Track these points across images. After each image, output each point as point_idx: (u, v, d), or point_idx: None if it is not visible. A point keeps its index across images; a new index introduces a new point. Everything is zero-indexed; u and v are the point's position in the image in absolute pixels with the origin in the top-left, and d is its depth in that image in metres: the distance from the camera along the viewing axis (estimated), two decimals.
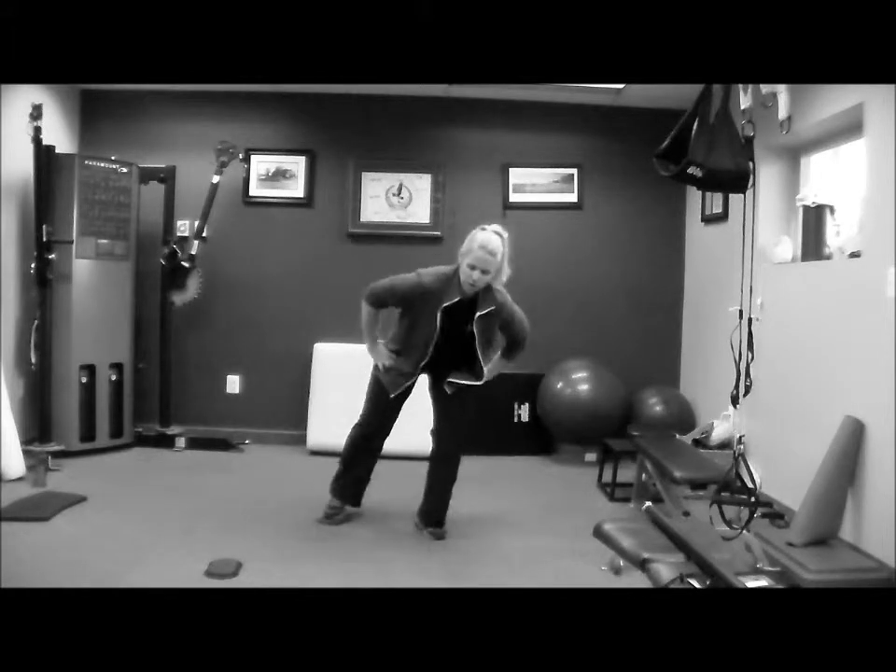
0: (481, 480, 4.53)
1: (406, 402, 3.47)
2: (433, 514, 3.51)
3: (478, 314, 3.22)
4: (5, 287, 4.32)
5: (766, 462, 3.88)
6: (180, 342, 5.11)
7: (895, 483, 2.88)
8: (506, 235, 3.23)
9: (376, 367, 3.43)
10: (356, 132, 5.21)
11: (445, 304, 3.19)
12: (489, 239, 3.15)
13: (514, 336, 3.42)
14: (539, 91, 4.94)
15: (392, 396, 3.34)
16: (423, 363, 3.29)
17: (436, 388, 3.46)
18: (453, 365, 3.36)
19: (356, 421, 3.54)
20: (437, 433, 3.52)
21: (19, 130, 4.31)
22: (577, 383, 4.83)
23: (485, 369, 3.32)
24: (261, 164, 5.19)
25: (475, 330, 3.23)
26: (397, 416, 3.48)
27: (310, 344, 5.09)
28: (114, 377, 4.79)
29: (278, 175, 5.21)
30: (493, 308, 3.25)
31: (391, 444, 4.34)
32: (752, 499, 2.88)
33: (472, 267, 3.14)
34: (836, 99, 3.44)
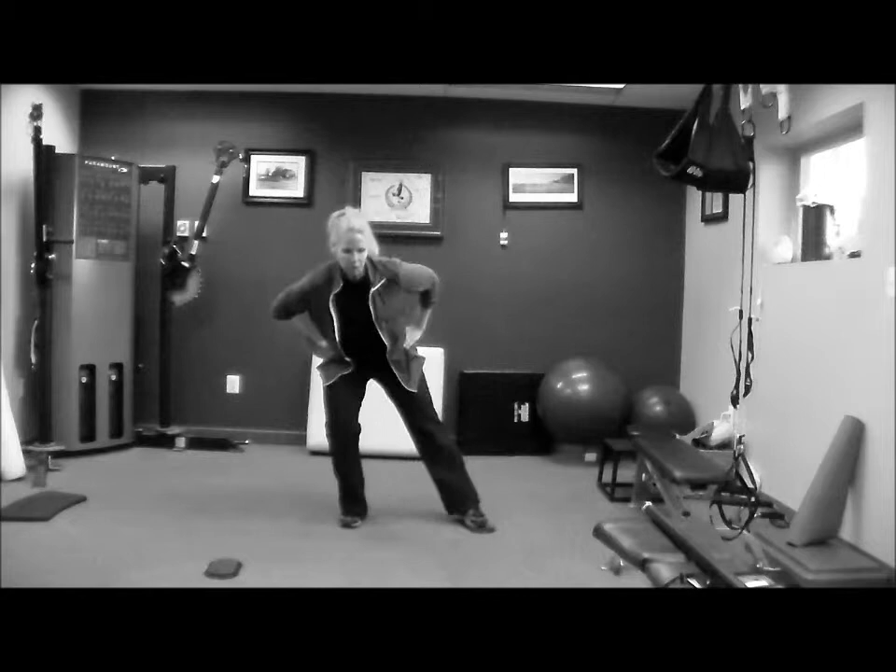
0: (480, 480, 4.51)
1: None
2: (463, 496, 3.61)
3: (372, 290, 3.35)
4: (5, 287, 4.32)
5: (766, 462, 3.88)
6: (180, 342, 5.11)
7: (895, 483, 2.88)
8: (363, 212, 3.45)
9: (319, 366, 3.63)
10: (356, 132, 5.22)
11: (334, 292, 3.36)
12: (353, 221, 3.31)
13: (423, 287, 3.56)
14: (539, 90, 4.94)
15: (327, 384, 3.50)
16: (341, 352, 3.43)
17: (385, 389, 3.58)
18: (370, 349, 3.43)
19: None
20: (410, 428, 3.60)
21: (19, 130, 4.31)
22: (577, 383, 4.83)
23: (388, 342, 3.40)
24: (261, 164, 5.19)
25: (372, 307, 3.35)
26: (356, 410, 3.55)
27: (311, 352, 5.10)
28: (114, 377, 4.79)
29: (278, 175, 5.21)
30: (384, 281, 3.38)
31: (390, 445, 4.34)
32: (752, 499, 2.88)
33: (348, 251, 3.29)
34: (836, 99, 3.44)
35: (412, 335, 3.56)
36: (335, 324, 3.38)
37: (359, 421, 3.57)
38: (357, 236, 3.28)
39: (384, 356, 3.43)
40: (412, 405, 3.55)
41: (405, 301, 3.50)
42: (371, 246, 3.36)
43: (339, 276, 3.36)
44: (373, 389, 3.62)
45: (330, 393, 3.52)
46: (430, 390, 3.66)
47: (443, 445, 3.61)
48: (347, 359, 3.47)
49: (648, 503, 3.55)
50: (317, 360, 4.90)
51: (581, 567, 3.07)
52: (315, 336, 3.61)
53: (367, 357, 3.46)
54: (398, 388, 3.50)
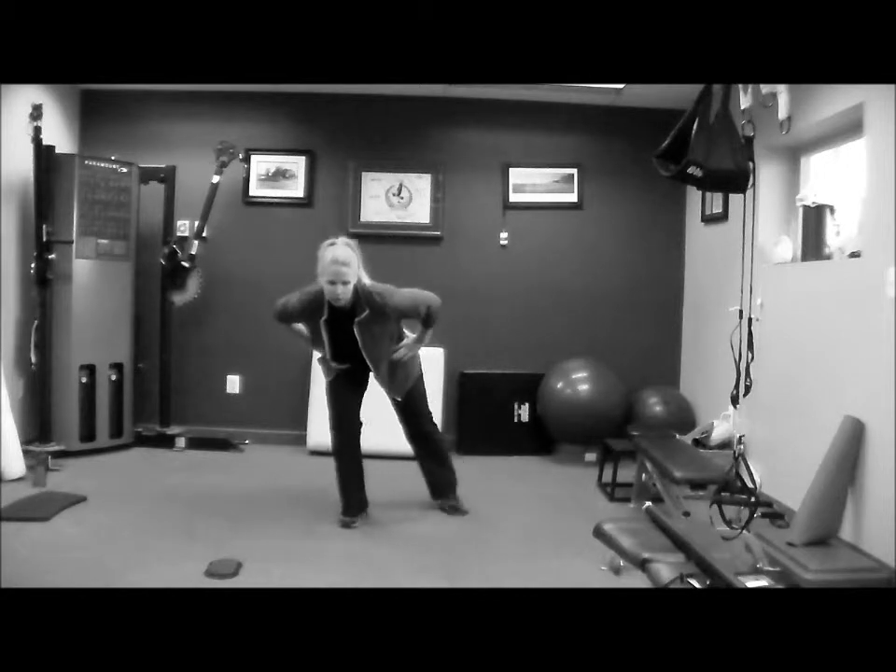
0: (481, 480, 4.53)
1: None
2: (447, 484, 3.84)
3: (356, 320, 3.34)
4: (5, 287, 4.32)
5: (766, 462, 3.88)
6: (180, 342, 5.11)
7: (895, 483, 2.88)
8: (354, 243, 3.37)
9: (320, 359, 3.65)
10: (356, 132, 5.22)
11: (323, 318, 3.38)
12: (338, 252, 3.27)
13: (418, 314, 3.45)
14: (539, 90, 4.94)
15: (329, 380, 3.58)
16: (336, 362, 3.51)
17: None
18: (361, 365, 3.50)
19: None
20: (404, 426, 3.75)
21: (19, 130, 4.31)
22: (577, 383, 4.83)
23: (371, 367, 3.48)
24: (261, 164, 5.19)
25: (357, 335, 3.37)
26: (357, 407, 3.62)
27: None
28: (114, 377, 4.79)
29: (278, 175, 5.21)
30: (367, 312, 3.33)
31: (390, 445, 4.34)
32: (752, 499, 2.88)
33: (332, 282, 3.26)
34: (836, 99, 3.44)
35: (409, 348, 3.53)
36: (326, 343, 3.46)
37: (361, 419, 3.64)
38: (342, 269, 3.24)
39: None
40: (405, 407, 3.67)
41: (396, 326, 3.52)
42: (358, 277, 3.33)
43: (326, 303, 3.36)
44: (373, 389, 3.63)
45: (332, 389, 3.58)
46: (425, 385, 3.73)
47: (434, 441, 3.81)
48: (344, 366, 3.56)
49: (648, 503, 3.55)
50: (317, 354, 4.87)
51: (581, 567, 3.07)
52: (309, 341, 3.66)
53: (360, 373, 3.57)
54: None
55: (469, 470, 4.74)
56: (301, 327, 3.65)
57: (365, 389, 3.65)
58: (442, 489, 3.85)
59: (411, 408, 3.67)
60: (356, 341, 3.38)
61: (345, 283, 3.26)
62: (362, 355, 3.43)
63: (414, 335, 3.54)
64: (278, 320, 3.61)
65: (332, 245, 3.32)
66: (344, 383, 3.56)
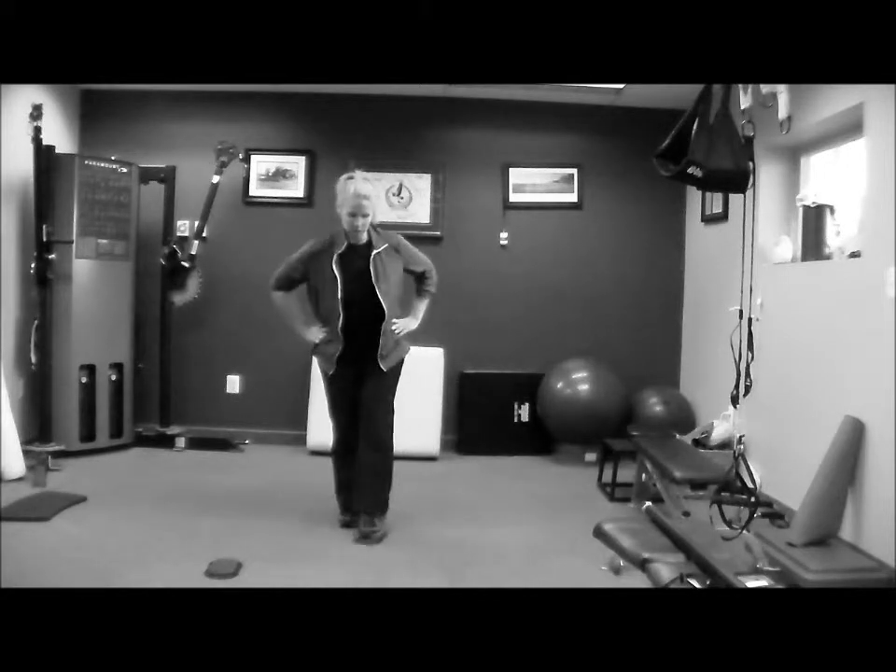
0: (480, 479, 4.53)
1: (400, 403, 3.51)
2: (373, 502, 3.44)
3: (374, 252, 3.37)
4: (5, 287, 4.32)
5: (766, 462, 3.88)
6: (180, 342, 5.11)
7: (895, 483, 2.88)
8: (372, 177, 3.48)
9: (313, 350, 3.56)
10: (356, 132, 5.21)
11: (338, 253, 3.36)
12: (360, 186, 3.32)
13: (421, 267, 3.55)
14: (539, 90, 4.94)
15: (331, 374, 3.44)
16: (341, 325, 3.35)
17: (361, 366, 3.44)
18: (367, 314, 3.35)
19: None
20: (363, 407, 3.45)
21: (19, 130, 4.31)
22: (577, 383, 4.83)
23: (385, 306, 3.33)
24: (261, 164, 5.19)
25: (373, 269, 3.34)
26: (355, 399, 3.48)
27: (310, 344, 5.09)
28: (114, 377, 4.79)
29: (278, 175, 5.21)
30: (387, 245, 3.42)
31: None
32: (752, 499, 2.88)
33: (352, 214, 3.31)
34: (836, 99, 3.44)
35: (407, 323, 3.50)
36: (338, 283, 3.31)
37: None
38: (363, 202, 3.29)
39: (378, 326, 3.35)
40: (377, 385, 3.42)
41: (402, 277, 3.50)
42: (375, 213, 3.42)
43: (342, 239, 3.38)
44: None
45: (330, 384, 3.50)
46: (397, 380, 3.52)
47: (384, 458, 3.48)
48: (340, 334, 3.36)
49: (648, 503, 3.55)
50: (314, 341, 4.78)
51: (581, 567, 3.07)
52: (307, 319, 3.55)
53: (362, 324, 3.35)
54: (372, 363, 3.39)
55: (470, 470, 4.76)
56: (294, 306, 3.58)
57: (362, 382, 3.50)
58: (361, 503, 3.44)
59: (380, 386, 3.43)
60: (369, 278, 3.32)
61: (365, 215, 3.32)
62: (370, 299, 3.30)
63: (409, 316, 3.53)
64: (280, 282, 3.51)
65: (351, 178, 3.36)
66: (343, 377, 3.45)
